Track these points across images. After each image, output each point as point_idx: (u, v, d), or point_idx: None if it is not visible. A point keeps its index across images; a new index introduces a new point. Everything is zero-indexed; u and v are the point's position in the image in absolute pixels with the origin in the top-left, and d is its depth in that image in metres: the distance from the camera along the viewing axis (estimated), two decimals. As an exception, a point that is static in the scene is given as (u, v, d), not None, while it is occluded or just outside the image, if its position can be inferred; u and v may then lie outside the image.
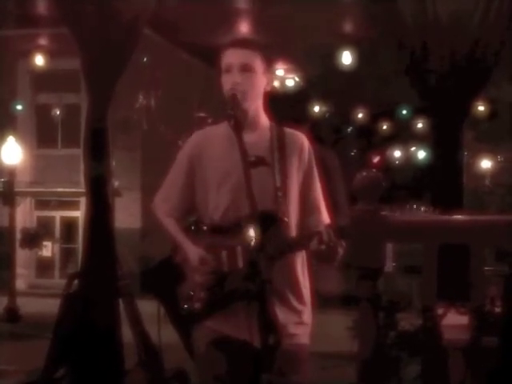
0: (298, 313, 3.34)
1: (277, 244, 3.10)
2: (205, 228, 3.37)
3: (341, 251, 3.26)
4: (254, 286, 3.04)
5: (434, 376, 4.55)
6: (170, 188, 3.48)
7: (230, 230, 3.28)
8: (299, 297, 3.35)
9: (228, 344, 3.26)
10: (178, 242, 3.40)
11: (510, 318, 4.52)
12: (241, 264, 3.21)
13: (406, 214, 3.12)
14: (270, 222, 3.13)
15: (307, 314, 3.39)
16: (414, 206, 3.13)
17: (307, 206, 3.39)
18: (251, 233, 3.13)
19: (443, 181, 6.62)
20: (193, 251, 3.31)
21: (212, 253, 3.28)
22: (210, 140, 3.43)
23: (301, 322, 3.35)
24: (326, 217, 3.42)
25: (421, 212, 3.12)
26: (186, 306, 3.32)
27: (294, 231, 3.32)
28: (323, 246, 3.14)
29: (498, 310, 4.79)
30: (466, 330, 4.59)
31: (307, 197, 3.39)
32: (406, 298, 5.65)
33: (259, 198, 3.08)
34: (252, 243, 3.10)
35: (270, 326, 2.92)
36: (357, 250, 4.38)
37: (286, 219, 3.23)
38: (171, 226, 3.44)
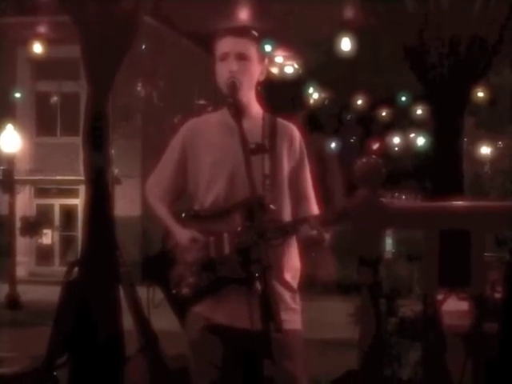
0: (287, 298, 3.35)
1: (263, 230, 3.10)
2: (195, 214, 3.39)
3: (327, 237, 3.30)
4: (241, 272, 3.12)
5: (434, 362, 4.56)
6: (162, 172, 3.50)
7: (218, 216, 3.30)
8: (287, 283, 3.36)
9: (218, 330, 3.28)
10: (168, 226, 3.42)
11: (510, 303, 4.53)
12: (227, 250, 3.23)
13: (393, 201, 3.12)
14: (256, 209, 3.13)
15: (296, 300, 3.39)
16: (396, 194, 3.14)
17: (297, 195, 3.42)
18: (238, 220, 3.19)
19: (443, 167, 6.62)
20: (182, 232, 3.34)
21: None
22: (205, 127, 3.44)
23: (290, 308, 3.35)
24: (314, 205, 3.46)
25: (402, 199, 3.12)
26: (174, 292, 3.34)
27: (284, 218, 3.33)
28: (314, 232, 3.21)
29: (498, 295, 4.80)
30: (467, 316, 4.60)
31: (297, 186, 3.42)
32: (407, 284, 5.67)
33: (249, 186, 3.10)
34: (238, 230, 3.18)
35: (266, 312, 2.92)
36: (357, 236, 4.39)
37: (272, 206, 3.23)
38: (162, 210, 3.46)
